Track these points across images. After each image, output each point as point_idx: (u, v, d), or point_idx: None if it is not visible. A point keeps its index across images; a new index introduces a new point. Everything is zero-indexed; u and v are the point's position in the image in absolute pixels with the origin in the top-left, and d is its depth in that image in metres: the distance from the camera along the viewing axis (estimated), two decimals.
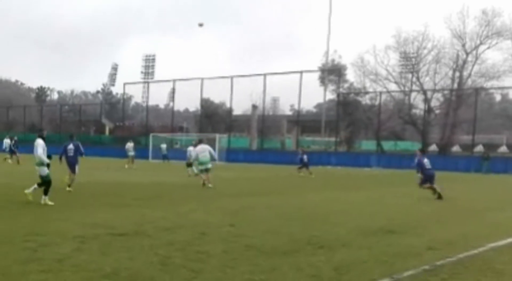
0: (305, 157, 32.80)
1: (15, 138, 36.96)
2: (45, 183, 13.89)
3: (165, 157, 48.57)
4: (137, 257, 7.61)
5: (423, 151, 22.20)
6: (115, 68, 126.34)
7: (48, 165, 13.97)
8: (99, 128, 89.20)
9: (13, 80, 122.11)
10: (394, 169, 44.49)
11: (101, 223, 10.65)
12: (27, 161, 29.48)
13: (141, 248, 8.25)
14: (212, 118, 72.35)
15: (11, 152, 35.55)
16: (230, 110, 65.00)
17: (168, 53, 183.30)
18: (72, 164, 17.60)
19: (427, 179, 18.69)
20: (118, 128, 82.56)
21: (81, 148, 18.14)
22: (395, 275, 7.01)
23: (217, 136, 53.80)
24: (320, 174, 33.96)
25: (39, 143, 13.99)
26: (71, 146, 17.81)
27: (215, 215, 12.74)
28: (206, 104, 71.99)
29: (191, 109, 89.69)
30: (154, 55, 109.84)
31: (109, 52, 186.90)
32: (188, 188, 20.56)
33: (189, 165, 27.79)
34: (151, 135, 56.86)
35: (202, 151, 21.64)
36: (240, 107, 71.13)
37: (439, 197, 17.96)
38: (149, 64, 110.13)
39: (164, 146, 50.28)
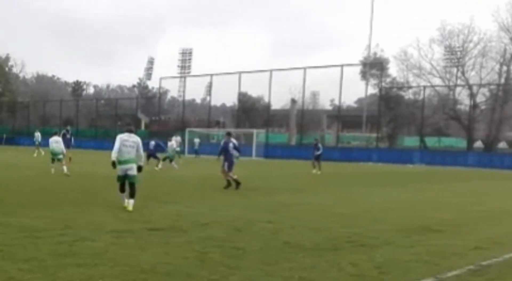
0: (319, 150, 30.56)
1: (68, 128, 34.08)
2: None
3: (196, 152, 48.92)
4: (173, 253, 7.65)
5: None
6: (151, 62, 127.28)
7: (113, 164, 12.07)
8: (134, 123, 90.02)
9: (49, 75, 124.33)
10: (437, 166, 43.86)
11: (136, 218, 10.77)
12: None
13: (178, 244, 8.30)
14: (249, 113, 72.34)
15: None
16: (268, 105, 64.86)
17: (205, 47, 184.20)
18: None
19: None
20: (154, 123, 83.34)
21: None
22: (439, 275, 6.89)
23: (255, 131, 53.84)
24: (361, 170, 33.71)
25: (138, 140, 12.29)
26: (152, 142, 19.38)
27: (252, 211, 12.75)
28: (243, 99, 72.04)
29: (228, 103, 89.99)
30: (191, 49, 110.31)
31: (146, 46, 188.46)
32: (221, 183, 20.60)
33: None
34: (187, 130, 57.18)
35: None
36: (278, 102, 71.10)
37: None
38: (185, 58, 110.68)
39: (197, 140, 50.58)
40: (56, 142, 22.34)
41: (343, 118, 67.92)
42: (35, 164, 25.56)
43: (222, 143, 20.79)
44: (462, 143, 61.78)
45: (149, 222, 10.27)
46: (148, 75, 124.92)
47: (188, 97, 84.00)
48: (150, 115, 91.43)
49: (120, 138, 12.01)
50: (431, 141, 63.41)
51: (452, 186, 20.69)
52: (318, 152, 29.99)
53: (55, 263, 6.79)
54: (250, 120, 69.20)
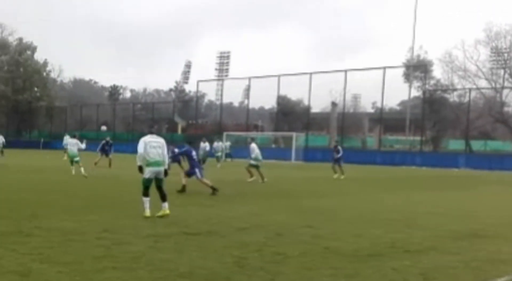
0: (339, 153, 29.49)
1: (108, 138, 33.85)
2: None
3: (228, 156, 49.23)
4: (211, 257, 7.69)
5: None
6: (188, 65, 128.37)
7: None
8: (171, 126, 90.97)
9: (86, 79, 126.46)
10: (483, 170, 43.08)
11: (174, 222, 10.86)
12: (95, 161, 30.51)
13: (215, 248, 8.33)
14: (289, 116, 72.25)
15: (103, 151, 32.62)
16: (308, 108, 64.73)
17: (243, 50, 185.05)
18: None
19: None
20: (191, 126, 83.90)
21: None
22: None
23: (294, 134, 53.83)
24: (404, 174, 33.34)
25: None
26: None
27: (291, 215, 12.72)
28: (283, 102, 72.00)
29: (267, 106, 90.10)
30: (228, 52, 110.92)
31: (183, 50, 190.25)
32: (258, 187, 20.64)
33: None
34: (224, 133, 57.42)
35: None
36: (318, 105, 70.68)
37: None
38: (223, 61, 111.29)
39: (228, 144, 50.85)
40: (72, 145, 24.22)
41: (385, 121, 67.21)
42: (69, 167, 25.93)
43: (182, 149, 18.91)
44: (509, 147, 60.64)
45: (187, 226, 10.34)
46: (185, 79, 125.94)
47: (225, 100, 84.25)
48: (187, 119, 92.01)
49: (144, 140, 11.75)
50: (477, 145, 62.42)
51: (499, 190, 20.28)
52: (338, 155, 29.46)
53: (93, 266, 6.90)
54: (289, 123, 69.09)
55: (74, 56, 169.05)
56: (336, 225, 11.28)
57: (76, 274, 6.50)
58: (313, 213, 13.22)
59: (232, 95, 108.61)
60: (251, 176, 23.35)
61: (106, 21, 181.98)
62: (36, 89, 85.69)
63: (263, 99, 77.12)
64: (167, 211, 11.60)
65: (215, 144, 38.07)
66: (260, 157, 23.79)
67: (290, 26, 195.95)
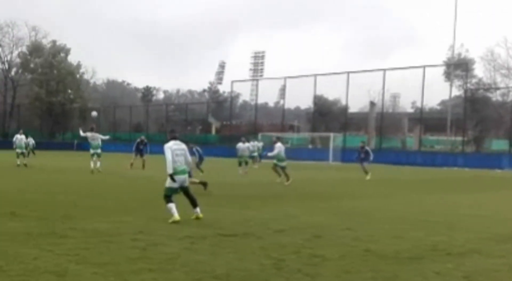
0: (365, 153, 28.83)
1: (142, 137, 34.12)
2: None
3: (261, 157, 49.25)
4: (248, 259, 7.71)
5: None
6: (222, 65, 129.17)
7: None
8: (205, 127, 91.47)
9: (119, 80, 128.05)
10: None
11: (208, 224, 10.93)
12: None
13: (252, 250, 8.36)
14: (326, 116, 72.00)
15: (137, 151, 32.67)
16: (345, 108, 64.51)
17: (278, 50, 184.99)
18: None
19: None
20: (225, 127, 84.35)
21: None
22: None
23: (332, 134, 53.70)
24: (446, 175, 32.93)
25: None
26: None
27: (329, 217, 12.69)
28: (319, 102, 71.80)
29: (303, 106, 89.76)
30: (263, 52, 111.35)
31: (217, 50, 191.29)
32: (294, 188, 20.60)
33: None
34: (259, 134, 57.58)
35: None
36: (356, 104, 70.32)
37: None
38: (258, 61, 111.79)
39: (260, 144, 50.86)
40: (93, 140, 26.69)
41: (425, 121, 66.49)
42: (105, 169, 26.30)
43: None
44: None
45: (222, 228, 10.39)
46: (219, 79, 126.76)
47: (260, 100, 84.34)
48: (221, 119, 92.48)
49: (170, 147, 11.45)
50: None
51: None
52: (366, 156, 29.08)
53: (129, 267, 6.99)
54: (326, 123, 68.85)
55: (107, 58, 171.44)
56: (375, 227, 11.20)
57: (111, 275, 6.59)
58: (352, 215, 13.15)
59: (267, 95, 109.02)
60: (279, 176, 23.38)
61: (139, 23, 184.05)
62: (69, 91, 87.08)
63: (299, 99, 77.06)
64: (200, 215, 11.49)
65: (251, 144, 38.11)
66: (284, 156, 23.59)
67: (326, 25, 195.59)
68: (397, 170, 39.67)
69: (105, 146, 37.83)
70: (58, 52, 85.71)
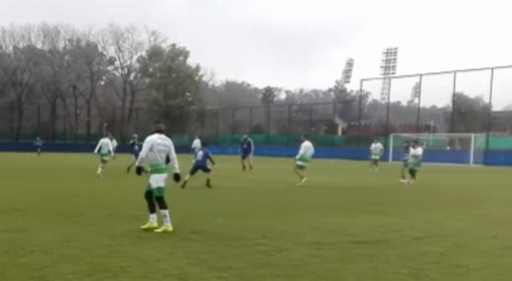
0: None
1: (245, 136, 34.03)
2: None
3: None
4: (382, 268, 7.56)
5: None
6: (350, 63, 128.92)
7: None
8: (330, 128, 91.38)
9: (239, 81, 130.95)
10: None
11: (336, 229, 10.86)
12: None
13: (386, 259, 8.18)
14: (466, 116, 70.19)
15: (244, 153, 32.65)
16: (489, 106, 62.40)
17: (412, 45, 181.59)
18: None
19: None
20: (353, 128, 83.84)
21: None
22: None
23: (473, 135, 52.28)
24: None
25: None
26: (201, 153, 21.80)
27: (472, 224, 12.26)
28: (458, 100, 69.98)
29: (440, 105, 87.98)
30: (396, 48, 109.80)
31: (343, 48, 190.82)
32: (432, 192, 20.06)
33: None
34: (391, 135, 56.84)
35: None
36: (501, 102, 67.98)
37: None
38: (390, 58, 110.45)
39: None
40: (106, 145, 26.60)
41: None
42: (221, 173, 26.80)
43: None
44: None
45: (353, 235, 10.27)
46: (347, 78, 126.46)
47: (392, 99, 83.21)
48: (348, 119, 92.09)
49: (153, 141, 10.68)
50: None
51: None
52: (406, 158, 27.22)
53: (253, 273, 7.07)
54: (466, 123, 67.10)
55: (226, 59, 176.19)
56: None
57: (236, 280, 6.71)
58: (499, 223, 12.62)
59: (399, 94, 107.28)
60: (301, 178, 22.38)
61: (260, 23, 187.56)
62: (188, 93, 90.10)
63: (436, 97, 75.44)
64: (154, 224, 10.44)
65: (373, 146, 37.36)
66: (308, 157, 23.07)
67: (464, 17, 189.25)
68: None
69: (224, 149, 38.76)
70: (177, 55, 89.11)
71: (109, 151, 26.47)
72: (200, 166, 21.15)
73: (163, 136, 10.89)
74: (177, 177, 11.07)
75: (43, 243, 8.78)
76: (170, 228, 10.18)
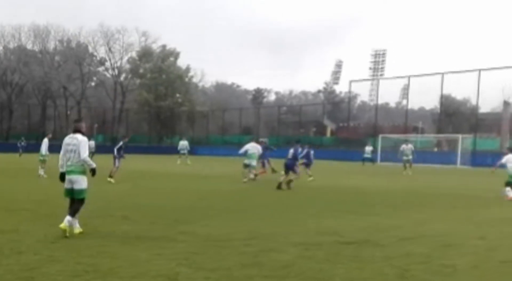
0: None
1: (259, 138, 33.98)
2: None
3: (368, 160, 48.56)
4: (369, 268, 7.59)
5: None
6: (339, 65, 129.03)
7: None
8: (319, 130, 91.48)
9: (229, 83, 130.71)
10: None
11: (325, 231, 10.86)
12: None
13: (374, 259, 8.21)
14: (453, 117, 70.39)
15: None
16: (476, 108, 62.69)
17: (399, 48, 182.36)
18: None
19: None
20: (342, 129, 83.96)
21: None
22: None
23: (460, 136, 52.49)
24: None
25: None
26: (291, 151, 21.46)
27: (459, 225, 12.28)
28: (446, 102, 70.21)
29: (428, 107, 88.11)
30: (384, 50, 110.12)
31: (332, 49, 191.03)
32: (420, 193, 20.10)
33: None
34: (380, 136, 56.98)
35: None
36: (488, 104, 68.41)
37: None
38: (378, 59, 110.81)
39: (370, 148, 50.17)
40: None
41: None
42: (222, 173, 26.82)
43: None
44: None
45: (341, 235, 10.28)
46: (336, 79, 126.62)
47: (380, 101, 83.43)
48: (338, 121, 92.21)
49: (64, 141, 10.19)
50: None
51: None
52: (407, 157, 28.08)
53: (241, 273, 7.08)
54: (454, 125, 67.29)
55: (216, 61, 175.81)
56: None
57: (224, 280, 6.72)
58: (486, 224, 12.65)
59: (388, 95, 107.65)
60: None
61: (249, 24, 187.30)
62: (178, 95, 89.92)
63: (424, 99, 75.65)
64: (64, 227, 9.52)
65: (403, 146, 37.29)
66: (253, 156, 24.87)
67: (452, 19, 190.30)
68: None
69: (214, 150, 38.79)
70: (167, 56, 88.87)
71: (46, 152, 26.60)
72: (288, 166, 21.21)
73: (76, 135, 10.12)
74: (93, 171, 10.35)
75: (32, 243, 8.76)
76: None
